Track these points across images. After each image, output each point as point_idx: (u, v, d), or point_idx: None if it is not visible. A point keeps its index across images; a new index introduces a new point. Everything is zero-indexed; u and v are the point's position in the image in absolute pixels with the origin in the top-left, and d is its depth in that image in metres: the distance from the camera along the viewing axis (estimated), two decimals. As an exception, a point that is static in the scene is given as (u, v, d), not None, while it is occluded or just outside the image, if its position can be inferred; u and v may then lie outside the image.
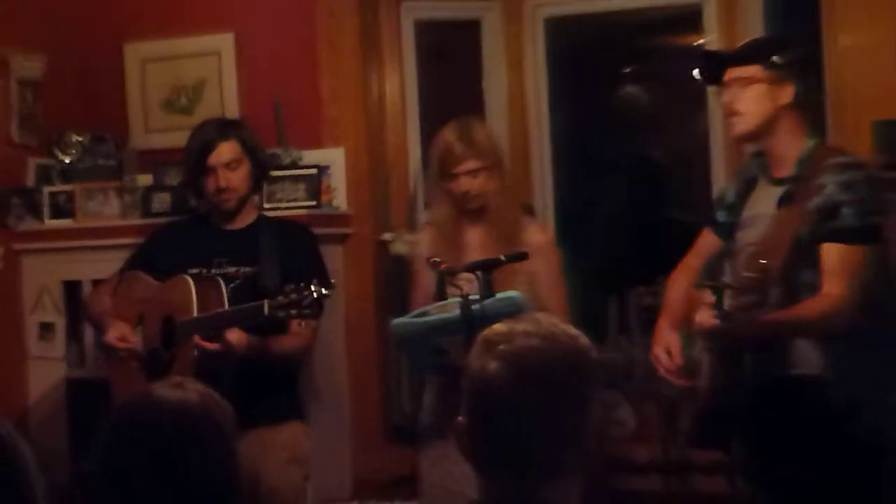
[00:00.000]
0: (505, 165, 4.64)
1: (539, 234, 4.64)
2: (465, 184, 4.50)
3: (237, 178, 4.68)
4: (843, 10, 5.00)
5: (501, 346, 2.17)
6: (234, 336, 4.40)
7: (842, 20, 5.00)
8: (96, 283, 5.13)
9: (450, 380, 4.43)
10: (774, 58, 4.00)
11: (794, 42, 4.19)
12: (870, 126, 4.81)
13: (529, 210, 5.06)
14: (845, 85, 4.99)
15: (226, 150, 4.66)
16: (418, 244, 4.75)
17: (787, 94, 3.99)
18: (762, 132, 4.04)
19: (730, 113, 4.05)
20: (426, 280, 4.55)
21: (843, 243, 3.85)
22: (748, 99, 4.00)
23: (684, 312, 4.20)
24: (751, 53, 4.06)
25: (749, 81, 3.99)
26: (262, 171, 4.81)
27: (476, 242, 4.57)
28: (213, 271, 4.64)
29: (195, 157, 4.67)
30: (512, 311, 3.92)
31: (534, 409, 2.13)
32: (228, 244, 4.71)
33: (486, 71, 5.85)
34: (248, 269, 4.64)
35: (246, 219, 4.77)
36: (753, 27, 5.38)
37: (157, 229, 5.03)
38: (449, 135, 4.57)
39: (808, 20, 5.20)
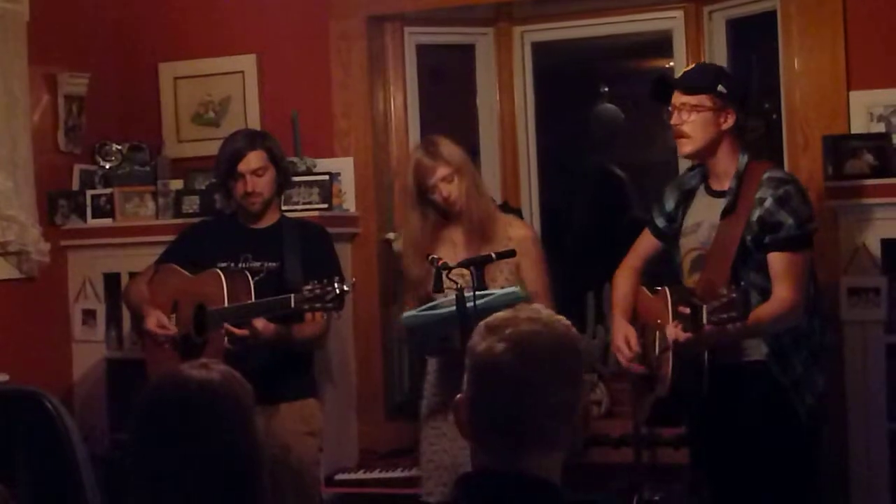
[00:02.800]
0: (470, 167, 4.58)
1: (521, 230, 4.63)
2: (444, 189, 4.48)
3: (263, 184, 4.66)
4: (798, 37, 4.99)
5: (508, 330, 2.16)
6: (261, 324, 4.41)
7: (797, 46, 5.00)
8: (133, 275, 5.11)
9: (449, 364, 4.43)
10: (720, 87, 4.01)
11: (733, 74, 4.26)
12: (820, 140, 4.80)
13: (507, 209, 5.02)
14: (799, 103, 4.99)
15: (254, 159, 4.64)
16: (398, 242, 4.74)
17: (729, 120, 4.02)
18: (707, 152, 4.05)
19: (678, 135, 4.05)
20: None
21: (788, 251, 3.87)
22: (695, 124, 4.00)
23: (632, 306, 4.23)
24: (699, 82, 4.06)
25: (697, 108, 4.00)
26: (285, 178, 4.80)
27: (459, 241, 4.54)
28: (240, 265, 4.63)
29: (226, 164, 4.66)
30: (509, 303, 3.96)
31: (537, 386, 2.13)
32: (254, 242, 4.70)
33: (480, 89, 5.83)
34: (271, 265, 4.64)
35: (269, 219, 4.75)
36: (719, 53, 5.36)
37: (189, 228, 5.02)
38: (416, 153, 4.57)
39: (767, 46, 5.19)
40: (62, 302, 5.59)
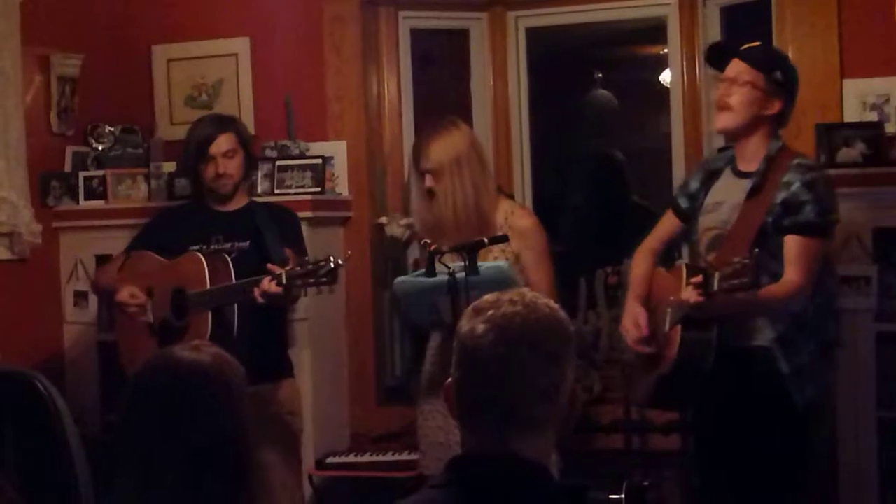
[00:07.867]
0: (456, 170, 4.42)
1: (524, 219, 4.54)
2: (428, 179, 4.46)
3: (233, 166, 4.70)
4: (792, 25, 5.00)
5: (490, 312, 2.18)
6: (266, 284, 4.28)
7: (791, 34, 5.00)
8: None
9: (448, 340, 4.40)
10: (777, 74, 3.97)
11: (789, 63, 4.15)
12: (813, 128, 4.80)
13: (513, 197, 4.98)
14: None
15: (224, 141, 4.68)
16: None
17: (775, 107, 3.98)
18: (742, 132, 4.02)
19: (722, 106, 4.01)
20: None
21: (804, 236, 3.86)
22: (742, 99, 3.96)
23: (648, 289, 4.19)
24: (760, 60, 4.00)
25: (749, 84, 3.96)
26: (252, 162, 4.85)
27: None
28: (212, 247, 4.64)
29: (196, 147, 4.70)
30: (496, 276, 3.94)
31: (517, 367, 2.14)
32: (224, 224, 4.72)
33: (473, 75, 5.82)
34: (242, 244, 4.65)
35: (238, 202, 4.78)
36: (713, 40, 5.33)
37: (158, 214, 5.04)
38: (419, 135, 4.56)
39: (761, 34, 5.19)
40: (54, 283, 5.59)
